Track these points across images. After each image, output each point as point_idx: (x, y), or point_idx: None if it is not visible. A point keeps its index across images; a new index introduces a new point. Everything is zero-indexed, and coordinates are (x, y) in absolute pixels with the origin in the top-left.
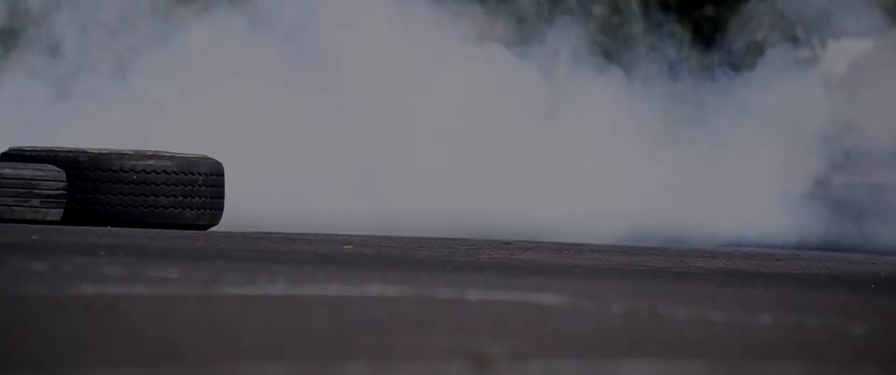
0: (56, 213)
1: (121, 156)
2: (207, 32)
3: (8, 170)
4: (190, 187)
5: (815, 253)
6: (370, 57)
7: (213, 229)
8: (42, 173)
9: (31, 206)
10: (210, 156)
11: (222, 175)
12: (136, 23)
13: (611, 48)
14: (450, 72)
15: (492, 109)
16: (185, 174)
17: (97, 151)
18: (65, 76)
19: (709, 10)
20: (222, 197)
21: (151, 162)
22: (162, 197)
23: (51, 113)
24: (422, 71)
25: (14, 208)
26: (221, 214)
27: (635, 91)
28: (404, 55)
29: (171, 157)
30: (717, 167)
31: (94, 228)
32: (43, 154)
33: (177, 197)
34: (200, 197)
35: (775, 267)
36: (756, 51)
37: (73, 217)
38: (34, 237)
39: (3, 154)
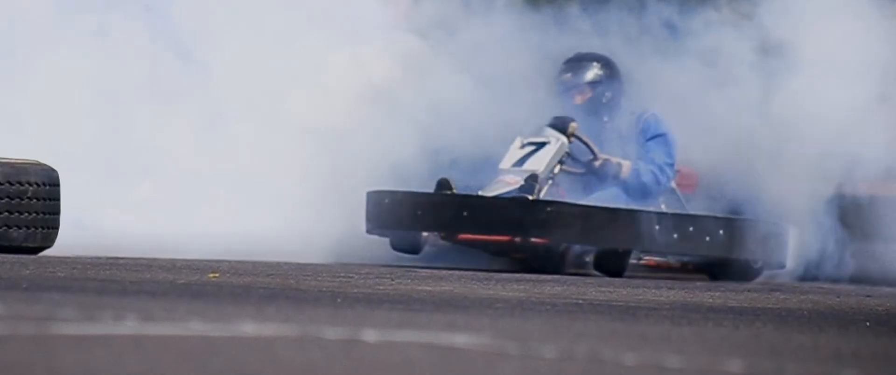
0: None
1: None
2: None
3: None
4: (18, 200)
5: (796, 284)
6: (245, 50)
7: (45, 252)
8: None
9: None
10: (42, 162)
11: (58, 185)
12: None
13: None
14: (343, 65)
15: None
16: (11, 184)
17: None
18: None
19: None
20: (58, 212)
21: None
22: None
23: None
24: (306, 63)
25: None
26: (57, 234)
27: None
28: (295, 42)
29: None
30: None
31: None
32: None
33: (1, 212)
34: (30, 213)
35: (747, 299)
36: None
37: None
38: None
39: None
